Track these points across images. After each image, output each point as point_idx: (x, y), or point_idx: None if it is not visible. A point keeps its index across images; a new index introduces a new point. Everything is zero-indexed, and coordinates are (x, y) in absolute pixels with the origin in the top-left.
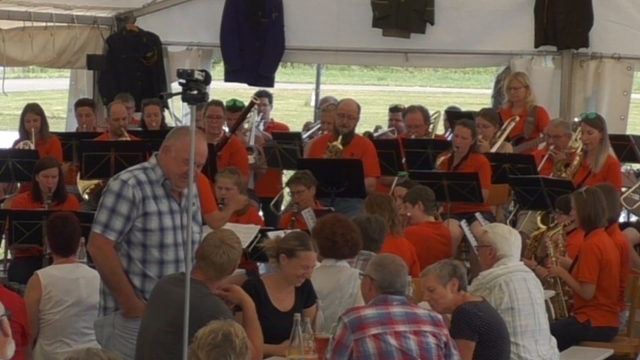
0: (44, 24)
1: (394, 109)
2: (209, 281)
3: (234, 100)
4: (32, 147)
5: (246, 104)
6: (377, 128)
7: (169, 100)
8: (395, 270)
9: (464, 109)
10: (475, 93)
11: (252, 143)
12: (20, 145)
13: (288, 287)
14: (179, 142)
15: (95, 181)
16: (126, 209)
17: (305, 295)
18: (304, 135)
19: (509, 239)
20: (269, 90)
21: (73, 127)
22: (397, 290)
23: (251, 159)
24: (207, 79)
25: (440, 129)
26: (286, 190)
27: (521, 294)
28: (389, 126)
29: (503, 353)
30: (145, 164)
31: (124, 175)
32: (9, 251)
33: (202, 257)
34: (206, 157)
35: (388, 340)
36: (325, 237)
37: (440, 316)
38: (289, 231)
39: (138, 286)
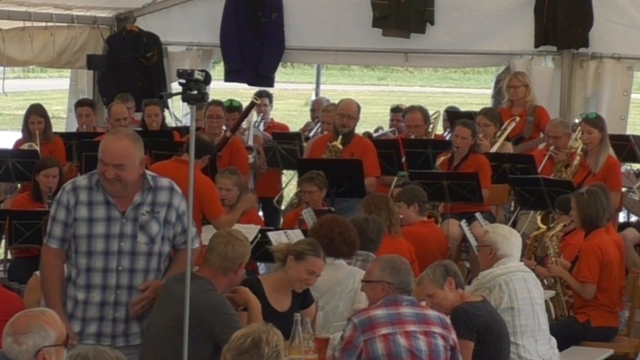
0: (44, 24)
1: (395, 109)
2: (214, 276)
3: (231, 101)
4: (38, 149)
5: (245, 104)
6: (378, 129)
7: (169, 100)
8: (408, 270)
9: (464, 109)
10: (475, 93)
11: (250, 143)
12: (26, 147)
13: (287, 288)
14: (101, 144)
15: None
16: (62, 215)
17: (302, 297)
18: (311, 133)
19: (509, 239)
20: (269, 90)
21: (73, 127)
22: (410, 289)
23: (250, 158)
24: (207, 79)
25: (439, 129)
26: (286, 190)
27: (521, 294)
28: (390, 126)
29: (502, 352)
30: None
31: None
32: (9, 251)
33: (209, 250)
34: (124, 157)
35: (398, 341)
36: (324, 235)
37: (448, 319)
38: (290, 231)
39: (81, 298)
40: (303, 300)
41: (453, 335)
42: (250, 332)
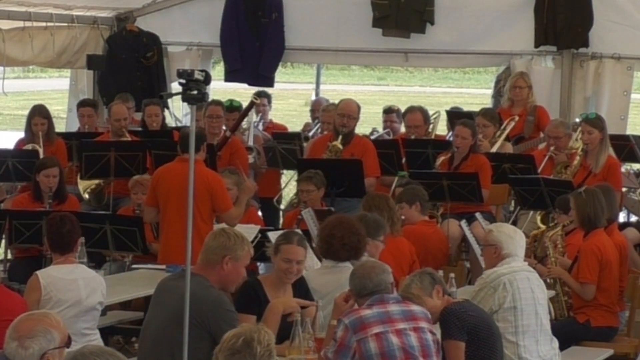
0: (44, 24)
1: (387, 111)
2: (204, 270)
3: (231, 101)
4: (40, 150)
5: (244, 103)
6: (373, 131)
7: (169, 100)
8: (364, 274)
9: (464, 109)
10: (475, 93)
11: (250, 143)
12: (29, 148)
13: (284, 286)
14: None
15: (96, 181)
16: None
17: (303, 296)
18: (310, 134)
19: (514, 238)
20: (268, 90)
21: (73, 127)
22: (371, 291)
23: (250, 158)
24: (207, 79)
25: (442, 130)
26: (286, 190)
27: (524, 294)
28: (384, 128)
29: (495, 350)
30: None
31: None
32: (9, 251)
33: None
34: None
35: (390, 339)
36: (324, 238)
37: (429, 314)
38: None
39: None
40: (303, 299)
41: (435, 329)
42: (241, 332)
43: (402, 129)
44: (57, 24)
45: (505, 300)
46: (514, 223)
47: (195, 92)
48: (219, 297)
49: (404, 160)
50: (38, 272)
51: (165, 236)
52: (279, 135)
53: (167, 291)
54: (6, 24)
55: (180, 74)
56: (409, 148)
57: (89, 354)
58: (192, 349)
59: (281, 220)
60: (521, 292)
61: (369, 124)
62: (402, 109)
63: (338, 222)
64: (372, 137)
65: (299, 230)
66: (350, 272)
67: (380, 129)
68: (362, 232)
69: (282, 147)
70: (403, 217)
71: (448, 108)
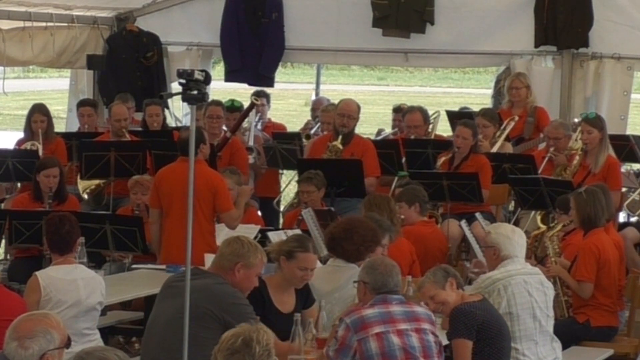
0: (44, 24)
1: (397, 110)
2: (217, 271)
3: (232, 101)
4: (40, 147)
5: (245, 104)
6: (380, 131)
7: (169, 100)
8: (387, 271)
9: (471, 108)
10: (475, 93)
11: (251, 143)
12: (28, 146)
13: (289, 288)
14: None
15: (96, 181)
16: None
17: (305, 297)
18: (311, 132)
19: (512, 239)
20: (267, 90)
21: (73, 127)
22: (390, 289)
23: (250, 158)
24: (207, 79)
25: (444, 130)
26: (286, 190)
27: (519, 299)
28: (393, 127)
29: (503, 350)
30: None
31: None
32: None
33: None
34: None
35: (391, 339)
36: (326, 234)
37: (433, 316)
38: (290, 231)
39: None
40: (305, 301)
41: (437, 331)
42: (240, 331)
43: None
44: (57, 24)
45: (500, 307)
46: (516, 223)
47: (195, 92)
48: (235, 292)
49: (404, 160)
50: (37, 273)
51: (168, 236)
52: (279, 135)
53: (178, 286)
54: (6, 24)
55: (180, 74)
56: (409, 148)
57: (93, 351)
58: (204, 340)
59: (281, 221)
60: (516, 297)
61: (369, 124)
62: None
63: (340, 221)
64: (378, 137)
65: (299, 231)
66: (365, 265)
67: (386, 129)
68: (359, 235)
69: (282, 147)
70: (402, 216)
71: (448, 108)
